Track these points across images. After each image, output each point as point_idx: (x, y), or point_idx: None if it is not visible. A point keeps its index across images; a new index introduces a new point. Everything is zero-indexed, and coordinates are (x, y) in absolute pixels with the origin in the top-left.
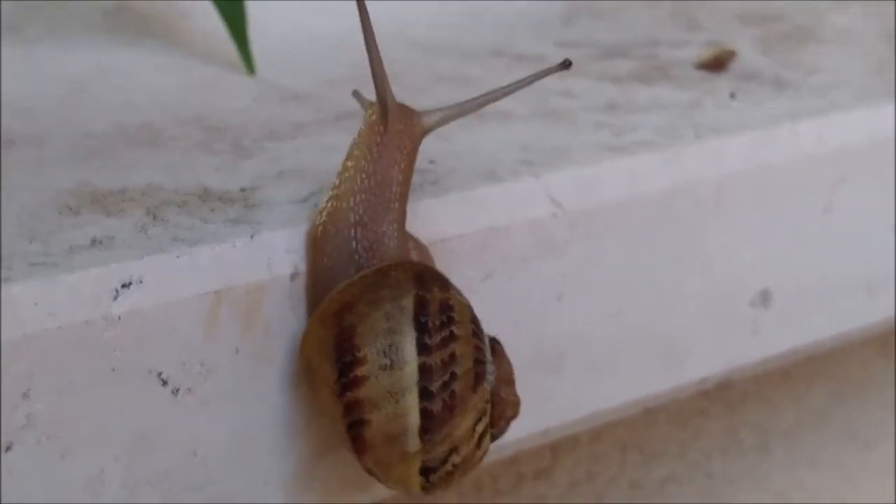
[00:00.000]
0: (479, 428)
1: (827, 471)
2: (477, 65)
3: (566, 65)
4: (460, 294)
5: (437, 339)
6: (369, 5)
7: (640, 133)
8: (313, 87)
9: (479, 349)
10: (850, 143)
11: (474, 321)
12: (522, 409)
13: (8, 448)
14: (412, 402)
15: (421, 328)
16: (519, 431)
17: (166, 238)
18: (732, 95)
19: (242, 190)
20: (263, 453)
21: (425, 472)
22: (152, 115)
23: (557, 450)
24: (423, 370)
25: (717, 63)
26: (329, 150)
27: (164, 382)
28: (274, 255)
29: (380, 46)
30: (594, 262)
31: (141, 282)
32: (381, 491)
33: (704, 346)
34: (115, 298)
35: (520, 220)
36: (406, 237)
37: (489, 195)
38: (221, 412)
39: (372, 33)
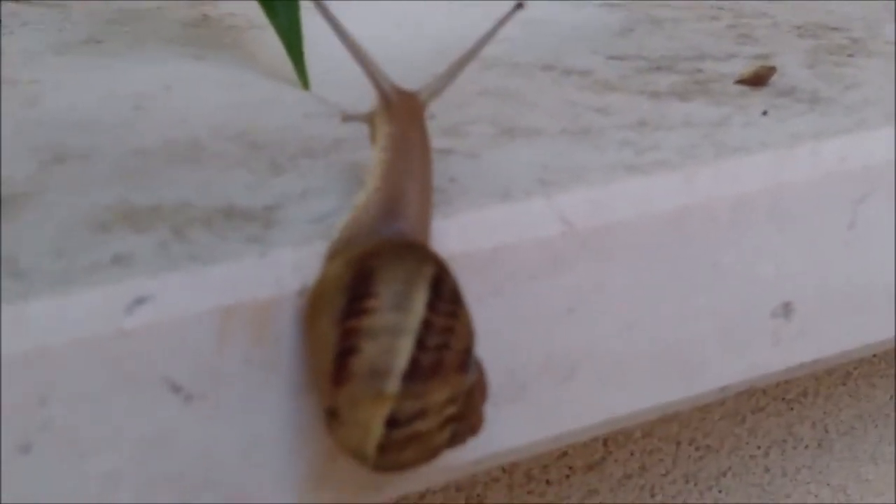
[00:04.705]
0: (448, 411)
1: (888, 465)
2: (523, 79)
3: (519, 6)
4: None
5: (444, 308)
6: (425, 12)
7: (660, 152)
8: (362, 102)
9: (471, 346)
10: (874, 161)
11: (472, 326)
12: (534, 414)
13: (27, 448)
14: (406, 345)
15: (434, 292)
16: (531, 435)
17: (184, 256)
18: (765, 112)
19: (265, 208)
20: (275, 455)
21: (390, 423)
22: (201, 132)
23: (609, 443)
24: (426, 324)
25: (757, 79)
26: (356, 168)
27: (177, 390)
28: (283, 273)
29: (429, 59)
30: (605, 278)
31: (154, 298)
32: (392, 491)
33: (723, 356)
34: (129, 313)
35: (529, 238)
36: (429, 209)
37: (499, 214)
38: (233, 417)
39: (345, 32)
